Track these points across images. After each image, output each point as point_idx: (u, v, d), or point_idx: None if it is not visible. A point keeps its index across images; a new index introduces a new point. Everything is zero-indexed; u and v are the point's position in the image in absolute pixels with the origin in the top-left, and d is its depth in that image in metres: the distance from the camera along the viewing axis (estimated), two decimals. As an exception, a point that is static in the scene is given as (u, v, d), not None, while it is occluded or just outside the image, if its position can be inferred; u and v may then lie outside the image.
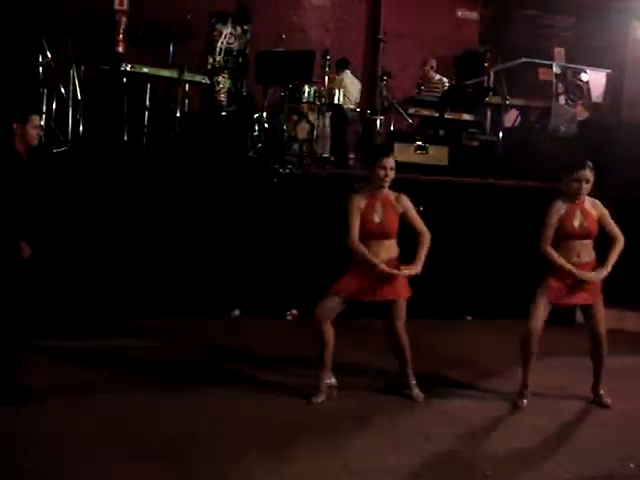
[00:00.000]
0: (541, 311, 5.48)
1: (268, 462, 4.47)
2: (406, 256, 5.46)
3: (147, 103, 8.72)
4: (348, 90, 9.79)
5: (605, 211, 5.55)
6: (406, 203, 5.48)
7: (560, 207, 5.50)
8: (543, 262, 5.53)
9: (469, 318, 8.34)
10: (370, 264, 5.29)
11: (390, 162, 5.40)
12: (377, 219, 5.37)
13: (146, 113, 8.70)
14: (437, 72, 10.33)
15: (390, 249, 5.42)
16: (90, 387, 5.52)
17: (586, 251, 5.50)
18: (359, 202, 5.39)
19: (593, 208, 5.53)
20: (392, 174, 5.40)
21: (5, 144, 5.07)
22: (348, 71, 10.15)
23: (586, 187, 5.47)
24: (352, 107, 9.74)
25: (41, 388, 5.27)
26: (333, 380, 5.60)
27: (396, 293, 5.41)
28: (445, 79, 10.34)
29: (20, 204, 5.06)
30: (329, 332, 5.41)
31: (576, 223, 5.47)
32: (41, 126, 5.27)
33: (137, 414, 5.07)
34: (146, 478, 4.20)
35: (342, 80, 9.89)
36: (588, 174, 5.44)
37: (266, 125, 8.86)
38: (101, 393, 5.41)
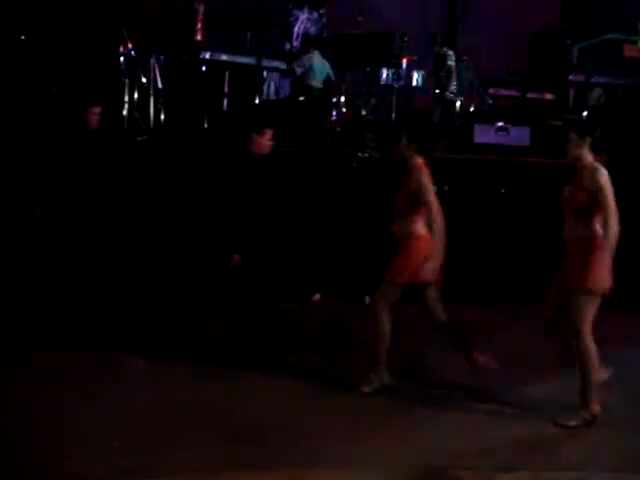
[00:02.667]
0: None
1: (347, 446, 4.47)
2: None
3: (226, 90, 8.81)
4: (313, 70, 9.41)
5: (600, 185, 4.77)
6: None
7: None
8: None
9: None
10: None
11: None
12: None
13: (225, 100, 8.79)
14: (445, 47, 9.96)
15: None
16: (173, 367, 5.68)
17: (572, 225, 4.91)
18: None
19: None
20: None
21: (241, 150, 5.67)
22: (317, 52, 9.71)
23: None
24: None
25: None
26: None
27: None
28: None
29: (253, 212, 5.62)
30: None
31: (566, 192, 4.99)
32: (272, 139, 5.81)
33: (216, 396, 5.13)
34: (226, 459, 4.26)
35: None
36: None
37: (344, 109, 8.83)
38: (183, 374, 5.56)
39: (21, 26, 8.08)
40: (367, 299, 7.79)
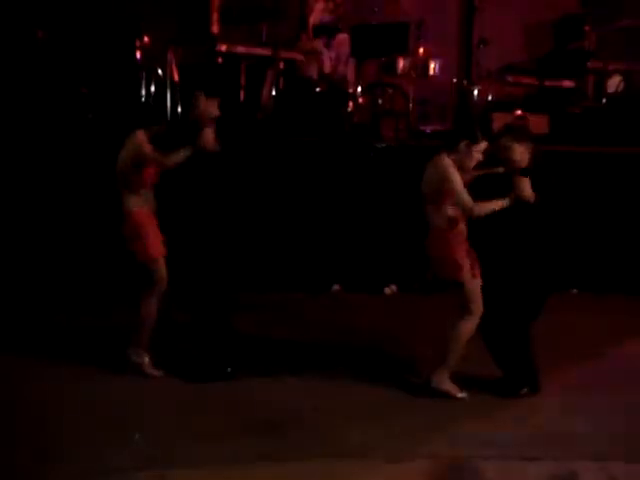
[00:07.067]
0: None
1: (370, 434, 4.51)
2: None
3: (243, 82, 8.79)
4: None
5: None
6: None
7: None
8: None
9: (575, 291, 8.10)
10: None
11: None
12: None
13: (241, 92, 8.77)
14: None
15: None
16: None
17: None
18: None
19: None
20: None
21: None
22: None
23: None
24: None
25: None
26: None
27: None
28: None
29: None
30: None
31: None
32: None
33: (238, 387, 5.18)
34: (250, 448, 4.31)
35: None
36: None
37: (361, 100, 8.81)
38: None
39: (39, 21, 8.11)
40: (386, 290, 7.81)
